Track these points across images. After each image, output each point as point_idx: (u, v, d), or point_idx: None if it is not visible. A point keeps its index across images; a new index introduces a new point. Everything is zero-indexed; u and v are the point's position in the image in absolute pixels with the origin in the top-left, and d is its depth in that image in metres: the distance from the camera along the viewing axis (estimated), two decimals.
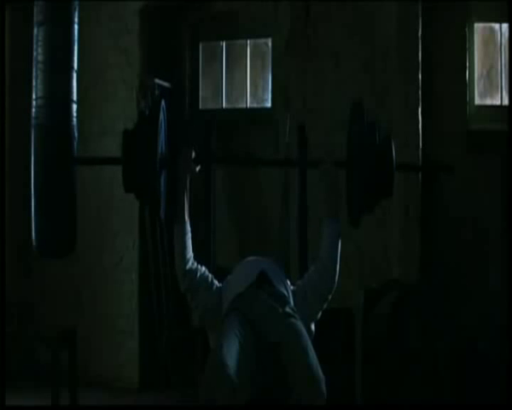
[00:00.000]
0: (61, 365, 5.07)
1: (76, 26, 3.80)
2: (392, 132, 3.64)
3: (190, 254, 3.61)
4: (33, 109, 3.72)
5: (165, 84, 6.19)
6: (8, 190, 6.16)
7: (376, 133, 3.54)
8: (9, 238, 6.12)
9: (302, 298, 3.56)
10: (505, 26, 5.64)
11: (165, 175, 3.72)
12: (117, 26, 6.25)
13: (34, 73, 3.72)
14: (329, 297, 3.59)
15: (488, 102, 5.79)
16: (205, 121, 5.95)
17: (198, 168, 3.72)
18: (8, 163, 6.22)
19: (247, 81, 6.41)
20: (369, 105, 5.62)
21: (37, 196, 3.76)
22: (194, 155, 3.68)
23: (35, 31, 3.73)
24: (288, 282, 3.64)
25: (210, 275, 3.64)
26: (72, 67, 3.77)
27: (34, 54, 3.72)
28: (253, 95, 6.42)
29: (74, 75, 3.79)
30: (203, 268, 3.64)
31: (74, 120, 3.81)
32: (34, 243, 3.76)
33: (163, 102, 3.74)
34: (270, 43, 6.30)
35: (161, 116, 3.66)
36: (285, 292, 3.53)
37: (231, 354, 3.07)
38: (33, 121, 3.73)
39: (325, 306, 3.61)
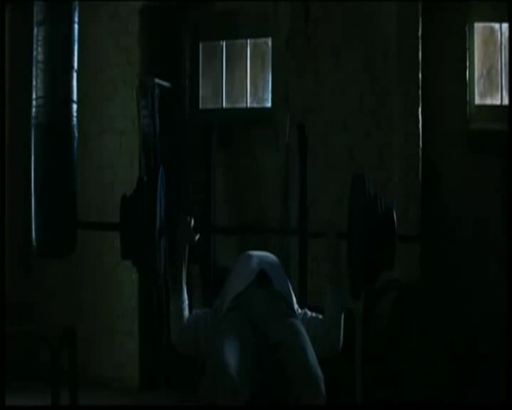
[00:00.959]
0: (61, 365, 5.07)
1: (76, 26, 3.79)
2: (394, 206, 3.60)
3: (186, 323, 3.49)
4: (33, 109, 3.72)
5: (165, 84, 6.19)
6: (8, 190, 6.16)
7: (378, 206, 3.52)
8: (9, 238, 6.12)
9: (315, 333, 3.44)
10: (505, 25, 5.64)
11: (164, 242, 3.62)
12: (117, 25, 6.25)
13: (34, 73, 3.71)
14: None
15: (488, 101, 5.79)
16: (205, 122, 5.97)
17: (197, 237, 3.63)
18: (8, 163, 6.22)
19: (247, 81, 6.41)
20: (370, 105, 5.67)
21: (37, 196, 3.76)
22: (192, 223, 3.60)
23: (35, 30, 3.72)
24: (287, 279, 3.63)
25: (203, 330, 3.50)
26: (72, 67, 3.77)
27: (34, 53, 3.71)
28: (253, 95, 6.42)
29: (74, 75, 3.78)
30: (200, 326, 3.50)
31: (74, 119, 3.80)
32: (34, 242, 3.76)
33: (161, 169, 3.67)
34: (270, 43, 6.30)
35: (159, 183, 3.58)
36: (285, 290, 3.52)
37: (231, 354, 3.07)
38: (33, 121, 3.72)
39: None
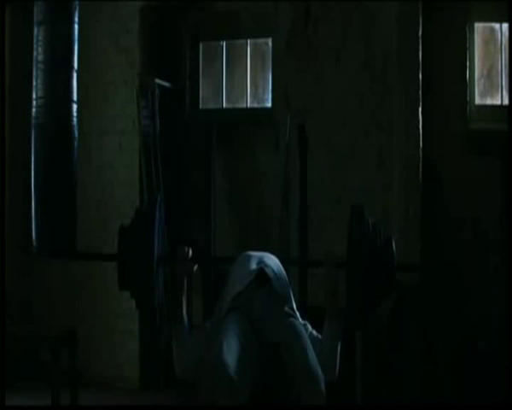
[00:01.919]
0: (61, 365, 5.06)
1: (76, 26, 3.80)
2: (393, 237, 3.60)
3: (188, 354, 3.45)
4: (33, 109, 3.73)
5: (166, 84, 6.19)
6: (8, 190, 6.16)
7: (377, 237, 3.51)
8: (9, 238, 6.12)
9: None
10: (505, 25, 5.63)
11: (162, 273, 3.60)
12: (117, 25, 6.24)
13: (34, 73, 3.72)
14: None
15: (488, 101, 5.79)
16: (205, 121, 5.97)
17: (196, 267, 3.61)
18: (8, 163, 6.22)
19: (247, 81, 6.41)
20: (370, 105, 5.67)
21: (37, 196, 3.76)
22: (190, 253, 3.56)
23: (35, 30, 3.73)
24: (287, 278, 3.62)
25: (202, 339, 3.47)
26: (73, 67, 3.78)
27: (34, 54, 3.72)
28: (254, 95, 6.42)
29: (74, 75, 3.79)
30: (199, 346, 3.45)
31: (74, 119, 3.81)
32: (34, 243, 3.77)
33: (159, 199, 3.63)
34: (270, 43, 6.29)
35: (157, 214, 3.54)
36: (285, 290, 3.52)
37: (231, 353, 3.07)
38: (33, 121, 3.73)
39: None
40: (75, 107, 3.79)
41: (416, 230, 5.50)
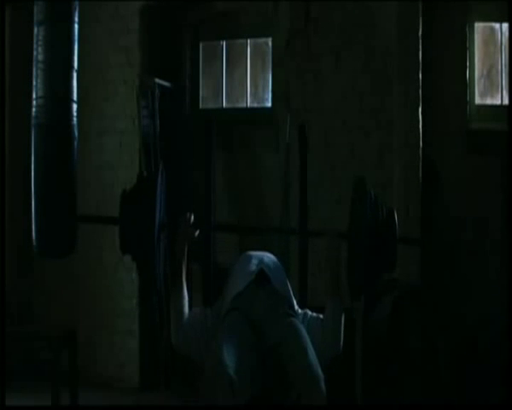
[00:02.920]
0: (61, 365, 5.07)
1: (76, 26, 3.79)
2: (395, 208, 3.61)
3: (186, 322, 3.48)
4: (33, 109, 3.71)
5: (166, 83, 6.19)
6: (8, 190, 6.16)
7: (379, 209, 3.52)
8: (9, 238, 6.12)
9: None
10: (505, 25, 5.63)
11: (164, 239, 3.61)
12: (117, 25, 6.25)
13: (34, 73, 3.71)
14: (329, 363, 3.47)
15: (488, 101, 5.78)
16: (205, 121, 5.96)
17: (197, 234, 3.62)
18: (8, 163, 6.22)
19: (247, 81, 6.41)
20: (370, 105, 5.67)
21: (37, 195, 3.75)
22: (192, 220, 3.59)
23: (35, 30, 3.71)
24: (287, 279, 3.62)
25: (201, 321, 3.50)
26: (73, 67, 3.76)
27: (34, 53, 3.70)
28: (254, 94, 6.42)
29: (74, 74, 3.78)
30: (200, 326, 3.48)
31: (74, 119, 3.80)
32: (34, 242, 3.75)
33: (161, 166, 3.67)
34: (270, 43, 6.29)
35: (159, 179, 3.57)
36: (285, 290, 3.52)
37: (231, 353, 3.06)
38: (33, 121, 3.72)
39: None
40: (75, 107, 3.77)
41: (416, 230, 5.50)
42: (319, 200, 5.67)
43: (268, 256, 3.67)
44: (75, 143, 3.83)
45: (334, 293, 3.48)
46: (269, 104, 6.33)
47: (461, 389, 5.20)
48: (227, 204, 6.23)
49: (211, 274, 5.63)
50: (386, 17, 5.64)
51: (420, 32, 5.57)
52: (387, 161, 5.63)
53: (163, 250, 3.62)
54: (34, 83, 3.71)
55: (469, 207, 5.62)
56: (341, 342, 3.47)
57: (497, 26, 5.73)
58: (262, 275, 3.50)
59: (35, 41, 3.72)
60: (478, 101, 5.76)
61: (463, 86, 5.68)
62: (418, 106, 5.56)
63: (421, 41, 5.56)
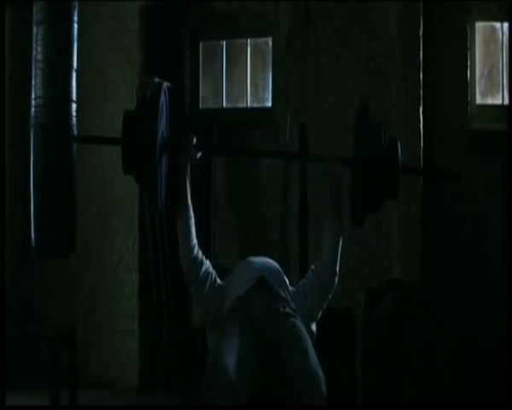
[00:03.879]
0: (60, 364, 5.06)
1: (76, 25, 3.78)
2: (394, 134, 3.64)
3: (195, 241, 3.58)
4: (32, 109, 3.71)
5: (166, 83, 6.17)
6: (7, 191, 6.14)
7: (382, 134, 3.54)
8: (9, 238, 6.11)
9: (302, 298, 3.54)
10: (506, 25, 5.61)
11: (166, 161, 3.68)
12: (117, 25, 6.23)
13: (33, 73, 3.70)
14: (329, 296, 3.58)
15: (489, 101, 5.77)
16: (205, 118, 5.97)
17: (199, 155, 3.69)
18: (8, 163, 6.21)
19: (247, 80, 6.39)
20: (370, 105, 5.65)
21: (36, 195, 3.75)
22: (195, 141, 3.63)
23: (34, 30, 3.71)
24: (288, 284, 3.62)
25: (213, 271, 3.61)
26: (72, 67, 3.76)
27: (33, 53, 3.70)
28: (254, 94, 6.41)
29: (74, 74, 3.77)
30: (207, 262, 3.62)
31: (74, 119, 3.79)
32: (33, 243, 3.75)
33: (165, 85, 3.69)
34: (270, 43, 6.28)
35: (162, 98, 3.61)
36: (285, 293, 3.51)
37: (231, 354, 3.05)
38: (32, 121, 3.71)
39: (325, 305, 3.60)
40: (75, 106, 3.77)
41: (416, 229, 5.49)
42: (319, 200, 5.65)
43: (268, 262, 3.66)
44: (74, 143, 3.82)
45: (335, 218, 3.55)
46: (269, 104, 6.32)
47: (461, 390, 5.19)
48: (227, 204, 6.21)
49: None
50: (387, 17, 5.63)
51: (420, 32, 5.55)
52: None
53: (165, 170, 3.65)
54: (33, 83, 3.71)
55: (470, 207, 5.60)
56: (337, 268, 3.54)
57: (497, 25, 5.72)
58: (262, 281, 3.48)
59: (34, 40, 3.72)
60: (479, 101, 5.75)
61: (464, 86, 5.67)
62: (418, 106, 5.55)
63: (421, 40, 5.55)
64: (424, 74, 5.56)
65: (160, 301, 5.99)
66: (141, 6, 6.19)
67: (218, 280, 3.61)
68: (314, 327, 3.58)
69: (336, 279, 3.59)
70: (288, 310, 3.35)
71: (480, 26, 5.73)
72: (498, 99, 5.75)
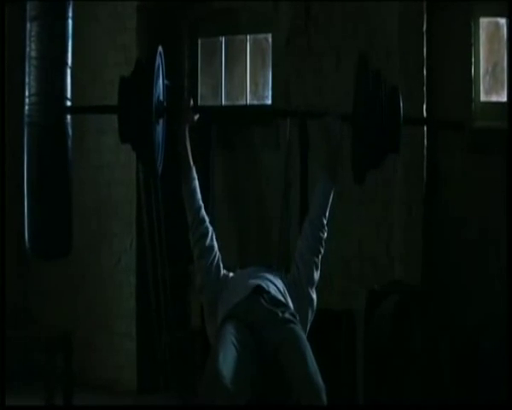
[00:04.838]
0: (56, 367, 5.04)
1: (70, 22, 3.73)
2: (399, 88, 3.57)
3: (201, 203, 3.57)
4: (26, 107, 3.65)
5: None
6: (7, 191, 6.09)
7: (382, 85, 3.47)
8: (8, 239, 6.05)
9: (299, 262, 3.52)
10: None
11: (164, 126, 3.67)
12: (115, 23, 6.22)
13: (27, 70, 3.65)
14: (321, 251, 3.52)
15: (493, 98, 5.71)
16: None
17: (196, 117, 3.68)
18: (6, 163, 6.15)
19: (246, 78, 6.34)
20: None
21: (31, 196, 3.69)
22: (192, 104, 3.64)
23: (28, 26, 3.66)
24: (286, 289, 3.55)
25: (217, 248, 3.59)
26: (66, 64, 3.70)
27: (27, 50, 3.65)
28: (253, 92, 6.35)
29: (68, 72, 3.72)
30: (214, 235, 3.60)
31: (68, 117, 3.73)
32: (27, 243, 3.69)
33: (160, 49, 3.66)
34: (270, 39, 6.23)
35: (158, 61, 3.57)
36: (284, 299, 3.43)
37: (227, 362, 2.97)
38: (26, 119, 3.65)
39: (319, 262, 3.52)
40: (69, 104, 3.71)
41: (418, 230, 5.43)
42: None
43: (261, 269, 3.59)
44: (69, 141, 3.76)
45: (329, 176, 3.52)
46: (269, 102, 6.26)
47: (462, 390, 5.15)
48: (227, 203, 6.17)
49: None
50: (389, 14, 5.59)
51: (424, 28, 5.50)
52: (389, 160, 5.55)
53: (162, 135, 3.65)
54: (27, 80, 3.66)
55: (473, 206, 5.56)
56: (325, 221, 3.51)
57: (502, 21, 5.65)
58: (260, 288, 3.41)
59: (28, 37, 3.67)
60: (483, 98, 5.69)
61: (468, 83, 5.61)
62: (422, 103, 5.49)
63: (425, 37, 5.49)
64: (428, 71, 5.51)
65: (159, 303, 5.95)
66: (139, 4, 6.17)
67: (219, 256, 3.58)
68: (314, 295, 3.51)
69: (325, 232, 3.52)
70: (287, 315, 3.27)
71: (483, 22, 5.67)
72: (503, 96, 5.68)
